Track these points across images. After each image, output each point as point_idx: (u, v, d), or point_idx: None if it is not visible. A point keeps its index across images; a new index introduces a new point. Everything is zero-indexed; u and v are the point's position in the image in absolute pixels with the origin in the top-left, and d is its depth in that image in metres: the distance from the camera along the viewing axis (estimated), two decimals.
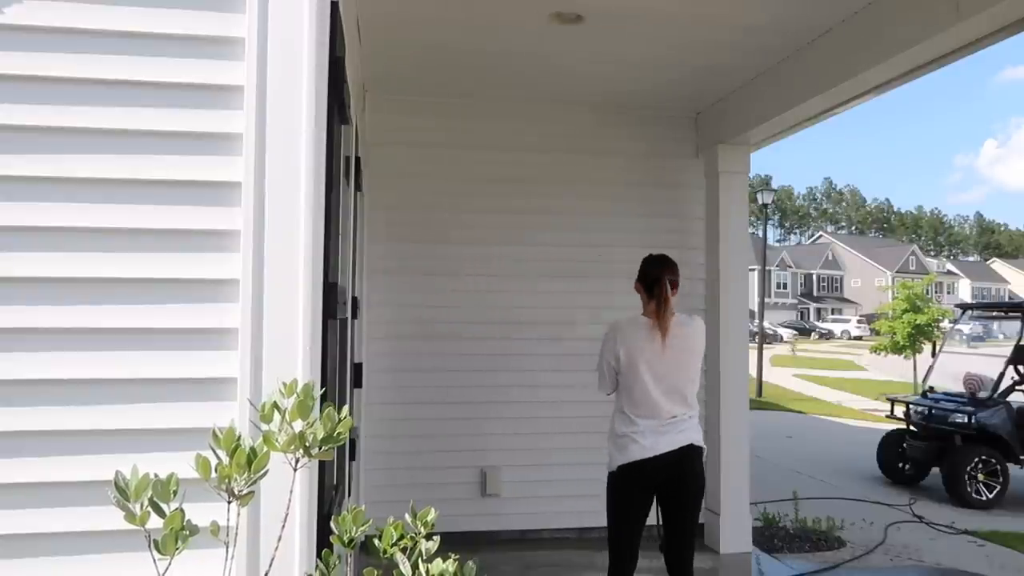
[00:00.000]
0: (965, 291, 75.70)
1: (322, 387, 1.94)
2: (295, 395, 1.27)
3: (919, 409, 9.20)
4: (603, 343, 3.63)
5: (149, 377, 1.76)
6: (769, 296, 57.78)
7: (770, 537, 6.09)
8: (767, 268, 33.67)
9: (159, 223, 1.79)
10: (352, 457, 4.16)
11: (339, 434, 1.28)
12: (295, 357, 1.75)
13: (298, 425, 1.25)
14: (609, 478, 3.54)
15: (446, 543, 1.41)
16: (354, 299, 4.25)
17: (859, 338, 49.98)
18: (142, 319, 1.77)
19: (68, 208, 1.76)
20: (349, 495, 4.02)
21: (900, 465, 9.19)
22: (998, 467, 8.23)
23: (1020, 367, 9.18)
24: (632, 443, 3.43)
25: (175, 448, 1.58)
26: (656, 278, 3.56)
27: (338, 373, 2.89)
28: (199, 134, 1.80)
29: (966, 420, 8.49)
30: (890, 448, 9.29)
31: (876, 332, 23.72)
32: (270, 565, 1.39)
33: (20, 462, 1.71)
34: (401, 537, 1.35)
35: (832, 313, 68.25)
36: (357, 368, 4.69)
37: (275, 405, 1.26)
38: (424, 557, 1.33)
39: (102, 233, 1.77)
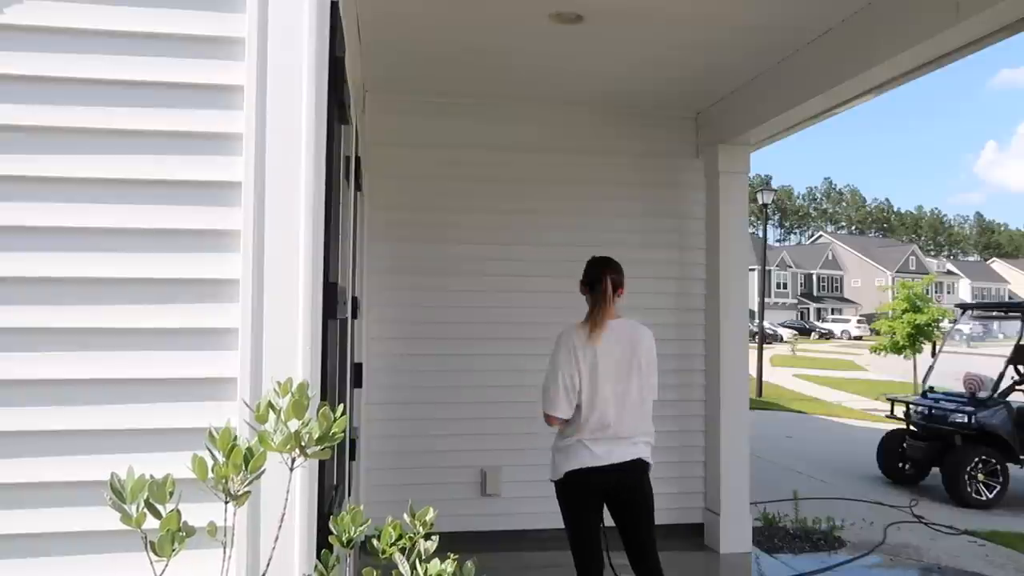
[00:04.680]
0: (965, 291, 75.66)
1: (322, 387, 1.94)
2: (290, 394, 1.27)
3: (919, 409, 9.20)
4: (555, 353, 3.43)
5: (149, 377, 1.76)
6: (769, 296, 57.78)
7: (770, 537, 6.09)
8: (767, 268, 33.66)
9: (159, 223, 1.78)
10: (352, 457, 4.15)
11: (335, 433, 1.27)
12: (295, 357, 1.75)
13: (294, 424, 1.25)
14: (556, 486, 3.46)
15: (445, 543, 1.41)
16: (354, 299, 4.24)
17: (859, 338, 49.97)
18: (142, 319, 1.77)
19: (68, 208, 1.76)
20: (349, 495, 4.02)
21: (900, 465, 9.19)
22: (998, 467, 8.23)
23: (1020, 367, 9.19)
24: (583, 449, 3.35)
25: (176, 448, 1.57)
26: (596, 277, 3.45)
27: (338, 373, 2.88)
28: (199, 134, 1.80)
29: (966, 420, 8.49)
30: (890, 448, 9.29)
31: (876, 332, 23.69)
32: (267, 565, 1.39)
33: (20, 462, 1.71)
34: (400, 537, 1.35)
35: (832, 313, 68.24)
36: (357, 368, 4.69)
37: (270, 405, 1.26)
38: (423, 557, 1.33)
39: (102, 233, 1.77)
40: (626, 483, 3.40)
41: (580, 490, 3.39)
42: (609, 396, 3.35)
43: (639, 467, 3.42)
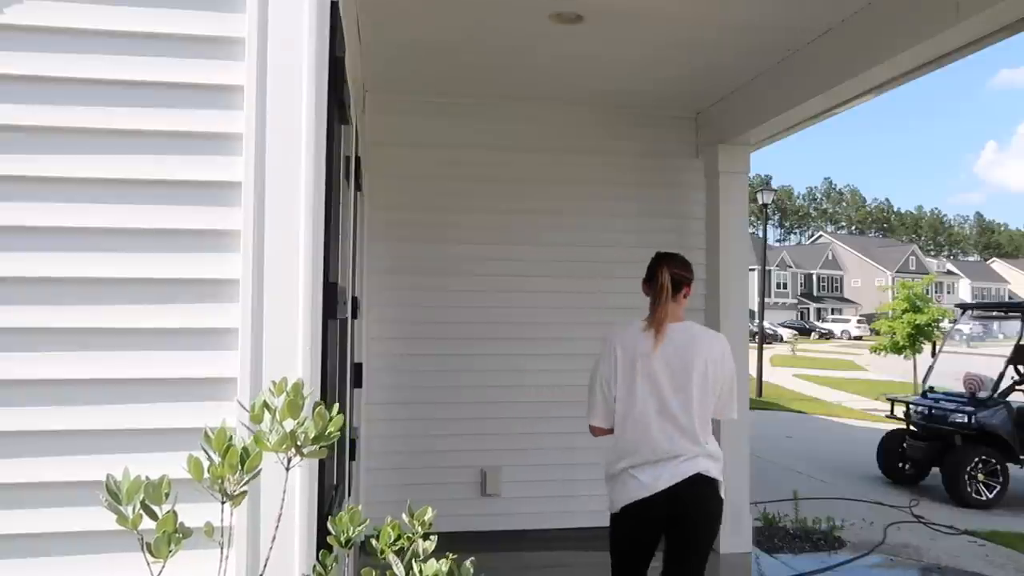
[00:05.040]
0: (965, 291, 75.63)
1: (322, 387, 1.94)
2: (285, 394, 1.26)
3: (919, 409, 9.20)
4: (599, 356, 3.10)
5: (149, 377, 1.76)
6: (769, 296, 57.75)
7: (770, 537, 6.09)
8: (767, 268, 33.65)
9: (159, 223, 1.78)
10: (352, 457, 4.15)
11: (331, 433, 1.27)
12: (295, 357, 1.75)
13: (289, 424, 1.25)
14: (611, 520, 3.09)
15: (445, 543, 1.41)
16: (354, 299, 4.24)
17: (859, 338, 49.97)
18: (142, 319, 1.77)
19: (68, 208, 1.75)
20: (349, 495, 4.02)
21: (900, 465, 9.20)
22: (998, 467, 8.23)
23: (1020, 367, 9.19)
24: (630, 479, 2.96)
25: (176, 448, 1.57)
26: (654, 272, 3.14)
27: (338, 373, 2.88)
28: (199, 134, 1.80)
29: (966, 420, 8.49)
30: (890, 448, 9.29)
31: (876, 332, 23.69)
32: (265, 565, 1.39)
33: (20, 462, 1.71)
34: (399, 537, 1.35)
35: (832, 313, 68.23)
36: (357, 368, 4.69)
37: (265, 404, 1.26)
38: (420, 557, 1.33)
39: (102, 233, 1.77)
40: (682, 498, 2.94)
41: (633, 524, 3.02)
42: (646, 415, 2.95)
43: (698, 482, 2.93)
